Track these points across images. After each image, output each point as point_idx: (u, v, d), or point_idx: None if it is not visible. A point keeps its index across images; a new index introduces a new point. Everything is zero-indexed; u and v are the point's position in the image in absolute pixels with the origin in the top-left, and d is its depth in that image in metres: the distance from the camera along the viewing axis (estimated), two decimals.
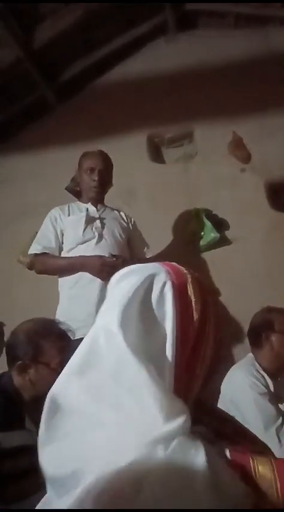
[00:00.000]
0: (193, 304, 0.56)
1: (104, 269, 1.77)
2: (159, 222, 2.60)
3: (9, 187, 2.98)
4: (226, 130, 2.69)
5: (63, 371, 0.55)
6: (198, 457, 0.45)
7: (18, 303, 2.53)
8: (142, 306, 0.54)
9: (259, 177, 2.62)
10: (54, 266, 1.92)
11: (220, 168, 2.69)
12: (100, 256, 1.82)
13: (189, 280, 0.59)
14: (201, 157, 2.79)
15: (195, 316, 0.55)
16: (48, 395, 0.55)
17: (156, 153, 2.94)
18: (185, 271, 0.61)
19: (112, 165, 2.11)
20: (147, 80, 2.94)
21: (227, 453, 0.49)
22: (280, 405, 1.54)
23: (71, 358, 0.55)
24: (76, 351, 0.56)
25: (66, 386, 0.53)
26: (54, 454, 0.50)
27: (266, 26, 2.86)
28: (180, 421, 0.46)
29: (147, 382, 0.48)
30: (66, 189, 2.16)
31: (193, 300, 0.56)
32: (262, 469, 0.47)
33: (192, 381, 0.53)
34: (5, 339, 1.84)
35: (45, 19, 2.56)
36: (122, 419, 0.48)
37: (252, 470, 0.47)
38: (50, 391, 0.55)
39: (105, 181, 2.05)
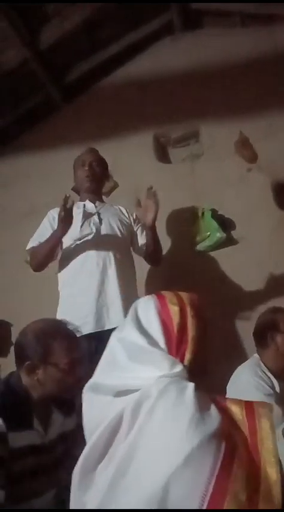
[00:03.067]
0: (172, 315, 0.90)
1: (60, 214, 1.78)
2: (165, 222, 2.61)
3: (14, 188, 2.99)
4: (232, 130, 2.67)
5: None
6: (188, 388, 0.77)
7: (24, 304, 2.55)
8: (138, 322, 0.91)
9: (265, 176, 2.61)
10: (40, 252, 1.91)
11: (226, 168, 2.68)
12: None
13: (168, 299, 0.93)
14: (207, 157, 2.78)
15: (175, 321, 0.89)
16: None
17: (162, 153, 2.93)
18: (167, 295, 0.95)
19: (103, 161, 2.15)
20: (153, 80, 2.94)
21: (217, 397, 0.81)
22: None
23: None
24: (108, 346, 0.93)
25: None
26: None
27: (272, 25, 2.83)
28: (179, 367, 0.83)
29: (156, 353, 0.85)
30: (72, 189, 2.17)
31: (171, 312, 0.90)
32: (234, 408, 0.80)
33: (185, 348, 0.87)
34: (13, 339, 1.86)
35: (51, 20, 2.57)
36: (146, 374, 0.82)
37: (228, 408, 0.79)
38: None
39: (96, 173, 2.09)
